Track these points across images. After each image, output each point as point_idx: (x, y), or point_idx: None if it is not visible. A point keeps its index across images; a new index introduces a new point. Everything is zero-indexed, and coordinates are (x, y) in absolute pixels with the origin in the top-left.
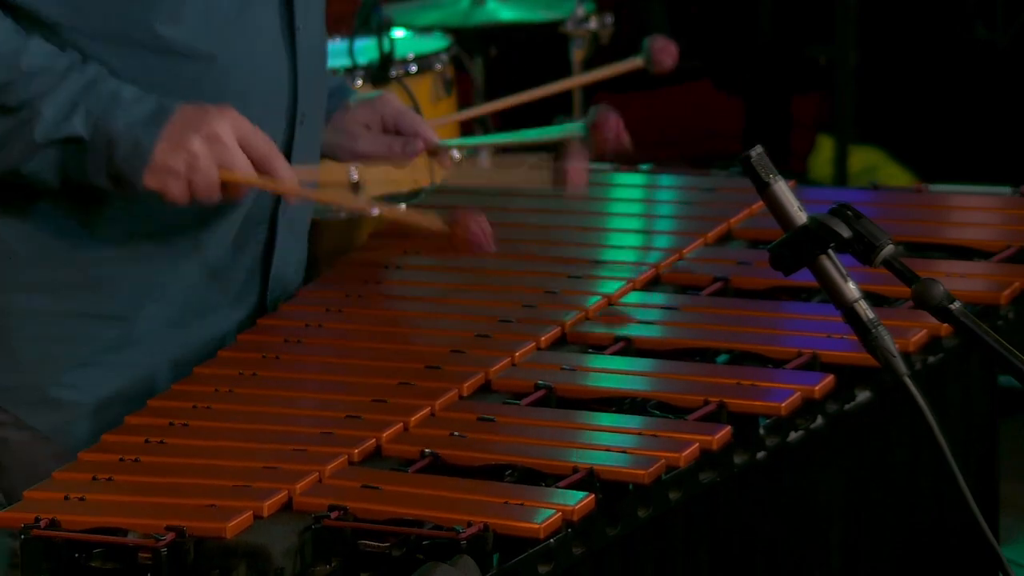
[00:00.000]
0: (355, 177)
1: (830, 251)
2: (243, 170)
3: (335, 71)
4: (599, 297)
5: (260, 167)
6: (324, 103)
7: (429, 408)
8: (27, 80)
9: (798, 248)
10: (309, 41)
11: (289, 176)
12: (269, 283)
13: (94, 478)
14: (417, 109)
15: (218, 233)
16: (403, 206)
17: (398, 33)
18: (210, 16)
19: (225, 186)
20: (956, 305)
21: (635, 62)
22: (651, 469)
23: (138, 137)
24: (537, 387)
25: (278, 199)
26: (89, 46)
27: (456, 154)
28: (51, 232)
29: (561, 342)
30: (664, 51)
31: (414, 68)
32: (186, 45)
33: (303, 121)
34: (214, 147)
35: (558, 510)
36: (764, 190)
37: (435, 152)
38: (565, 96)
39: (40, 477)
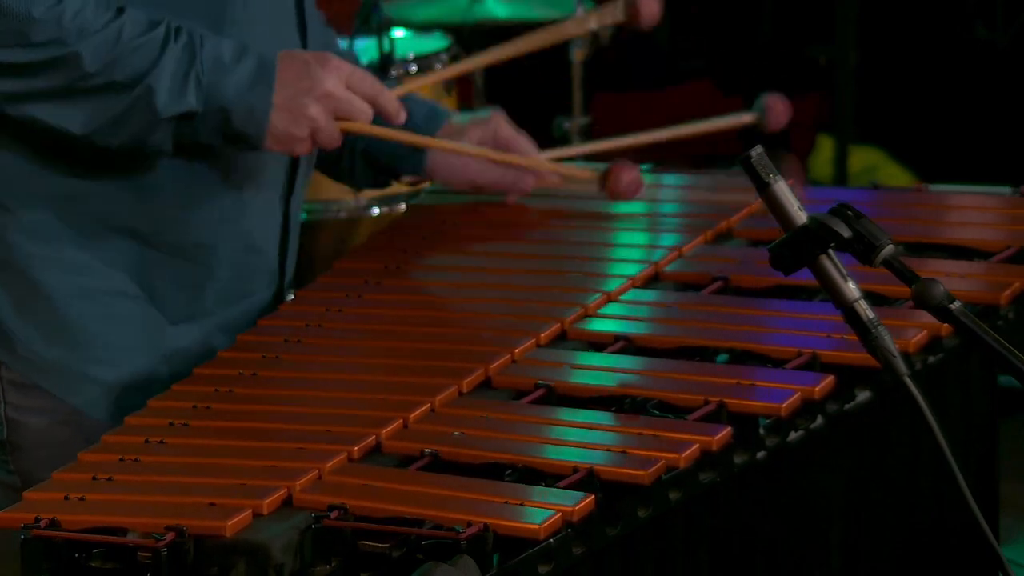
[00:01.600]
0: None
1: (830, 251)
2: (361, 117)
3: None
4: (599, 295)
5: (372, 105)
6: None
7: (429, 405)
8: (132, 54)
9: (798, 248)
10: (317, 36)
11: (395, 102)
12: (287, 258)
13: (94, 478)
14: None
15: (254, 205)
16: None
17: (398, 33)
18: (249, 36)
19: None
20: (956, 305)
21: (747, 118)
22: (651, 469)
23: (251, 104)
24: (537, 386)
25: (293, 174)
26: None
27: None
28: (99, 215)
29: (561, 339)
30: (778, 109)
31: (414, 68)
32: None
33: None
34: (329, 104)
35: (558, 510)
36: (764, 190)
37: (542, 179)
38: (565, 96)
39: (59, 460)
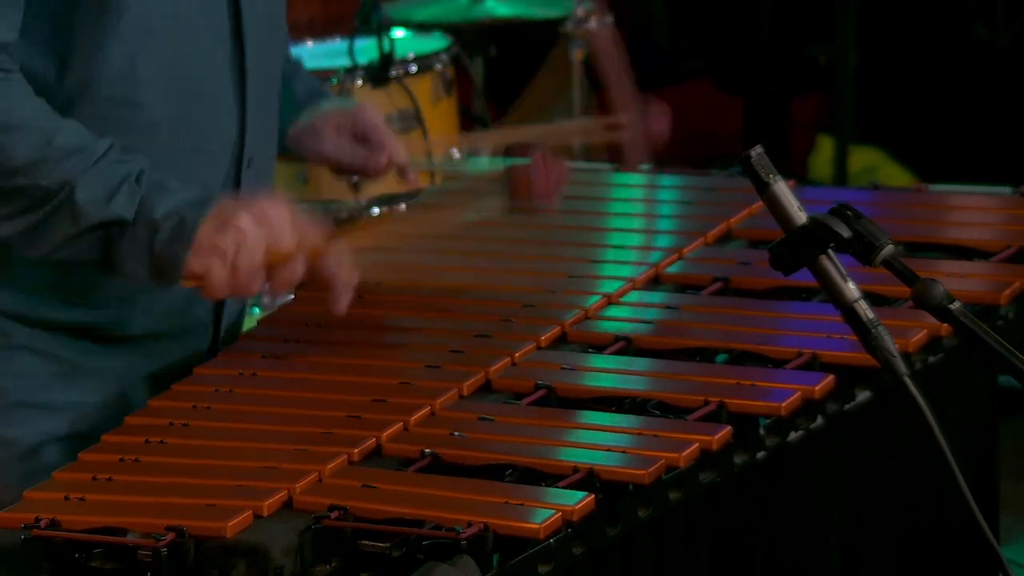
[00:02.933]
0: (356, 178)
1: (830, 251)
2: (290, 249)
3: (335, 71)
4: (599, 297)
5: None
6: (275, 145)
7: (429, 408)
8: (61, 159)
9: (798, 248)
10: (260, 85)
11: (339, 259)
12: (220, 331)
13: (94, 478)
14: (417, 109)
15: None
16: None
17: (398, 33)
18: (157, 62)
19: (270, 271)
20: (956, 305)
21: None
22: (651, 469)
23: (183, 218)
24: (537, 387)
25: None
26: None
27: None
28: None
29: (561, 341)
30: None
31: (414, 68)
32: (132, 92)
33: (250, 164)
34: (262, 226)
35: (558, 510)
36: (764, 190)
37: (401, 171)
38: (565, 97)
39: (11, 494)
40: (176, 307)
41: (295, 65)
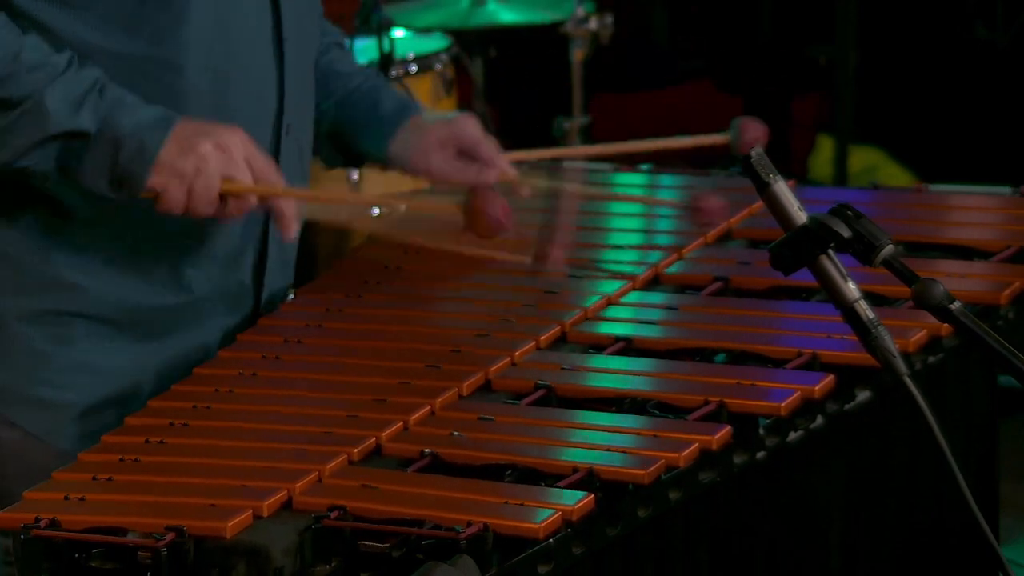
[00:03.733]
0: (355, 177)
1: (830, 251)
2: (246, 182)
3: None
4: (599, 297)
5: (259, 181)
6: (312, 113)
7: (429, 407)
8: (27, 73)
9: (798, 248)
10: (298, 52)
11: (288, 202)
12: (262, 299)
13: (94, 478)
14: None
15: (201, 266)
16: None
17: (398, 33)
18: (200, 28)
19: (223, 199)
20: (956, 305)
21: (721, 138)
22: (651, 469)
23: (144, 138)
24: (537, 387)
25: (267, 223)
26: (82, 52)
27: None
28: (45, 241)
29: (561, 341)
30: (751, 132)
31: (414, 68)
32: (174, 56)
33: (288, 131)
34: (222, 155)
35: (558, 510)
36: (764, 190)
37: (511, 186)
38: (565, 97)
39: (35, 476)
40: (220, 270)
41: (378, 81)
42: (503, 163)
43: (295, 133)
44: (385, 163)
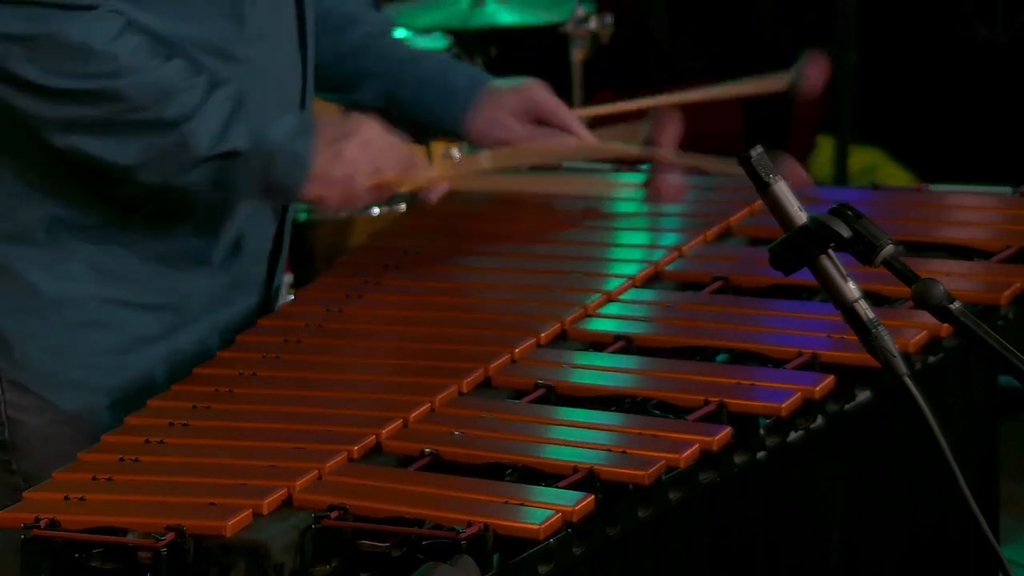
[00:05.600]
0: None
1: (830, 251)
2: (395, 170)
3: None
4: (600, 294)
5: (404, 169)
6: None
7: (429, 405)
8: (176, 95)
9: (798, 248)
10: (313, 35)
11: (428, 173)
12: (276, 274)
13: (94, 478)
14: None
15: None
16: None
17: (398, 33)
18: (246, 24)
19: (373, 191)
20: (956, 305)
21: (780, 82)
22: (651, 469)
23: (296, 148)
24: (537, 386)
25: (284, 219)
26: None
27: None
28: (89, 222)
29: (561, 339)
30: (814, 72)
31: None
32: (225, 48)
33: (306, 104)
34: (366, 153)
35: (558, 510)
36: (764, 190)
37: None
38: (565, 97)
39: (61, 460)
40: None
41: (448, 59)
42: (579, 128)
43: (309, 104)
44: (462, 137)
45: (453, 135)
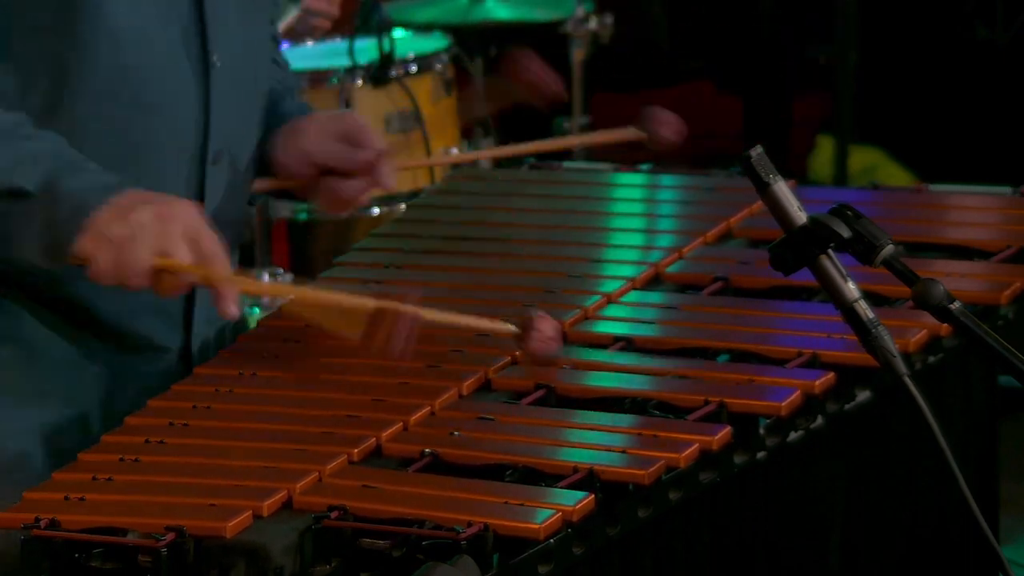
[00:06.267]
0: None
1: (830, 251)
2: (182, 258)
3: (335, 71)
4: (599, 296)
5: (201, 261)
6: (253, 140)
7: (429, 407)
8: None
9: (798, 248)
10: (232, 76)
11: (230, 284)
12: (192, 338)
13: (94, 478)
14: (417, 109)
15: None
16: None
17: (398, 33)
18: (113, 53)
19: (156, 274)
20: (956, 305)
21: (631, 133)
22: (651, 469)
23: (83, 200)
24: (537, 387)
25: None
26: None
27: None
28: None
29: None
30: (664, 124)
31: (414, 68)
32: (89, 79)
33: (217, 160)
34: (160, 227)
35: (558, 510)
36: (764, 190)
37: (381, 173)
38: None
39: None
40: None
41: (286, 88)
42: (382, 145)
43: (226, 162)
44: (274, 174)
45: (265, 174)
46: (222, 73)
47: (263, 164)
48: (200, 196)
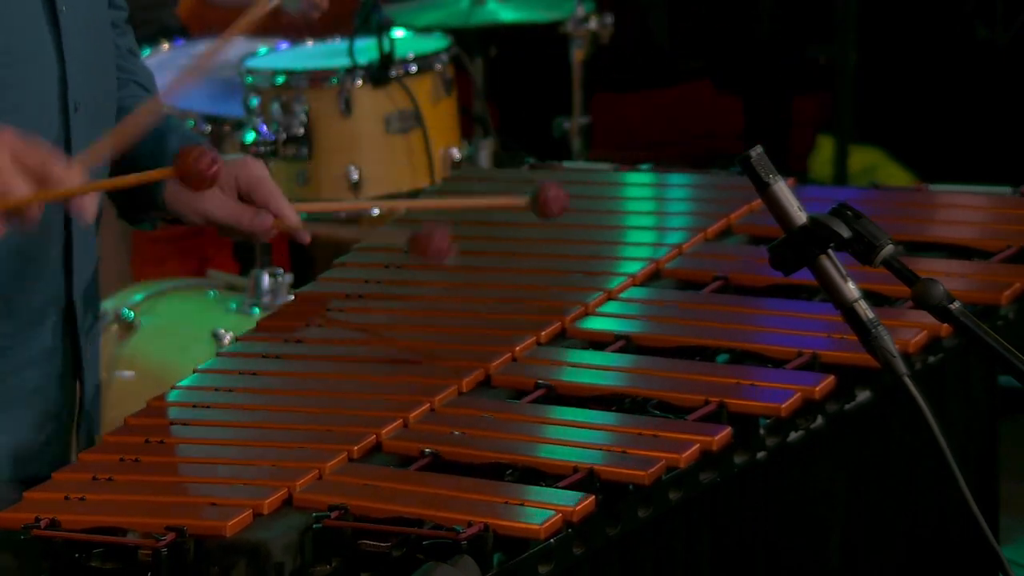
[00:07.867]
0: (356, 177)
1: (830, 251)
2: (21, 193)
3: (335, 71)
4: (600, 292)
5: (40, 180)
6: (112, 88)
7: (429, 404)
8: None
9: (798, 248)
10: (79, 23)
11: (73, 179)
12: (75, 306)
13: (94, 478)
14: (417, 109)
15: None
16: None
17: (398, 33)
18: None
19: (8, 214)
20: (956, 305)
21: (520, 201)
22: (651, 469)
23: None
24: (537, 386)
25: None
26: None
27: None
28: None
29: (561, 337)
30: (554, 200)
31: (414, 68)
32: None
33: (78, 109)
34: None
35: (558, 510)
36: (764, 190)
37: (291, 230)
38: (565, 97)
39: None
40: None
41: (171, 120)
42: (282, 203)
43: (86, 111)
44: (165, 209)
45: (156, 208)
46: (70, 19)
47: (156, 204)
48: (67, 147)
